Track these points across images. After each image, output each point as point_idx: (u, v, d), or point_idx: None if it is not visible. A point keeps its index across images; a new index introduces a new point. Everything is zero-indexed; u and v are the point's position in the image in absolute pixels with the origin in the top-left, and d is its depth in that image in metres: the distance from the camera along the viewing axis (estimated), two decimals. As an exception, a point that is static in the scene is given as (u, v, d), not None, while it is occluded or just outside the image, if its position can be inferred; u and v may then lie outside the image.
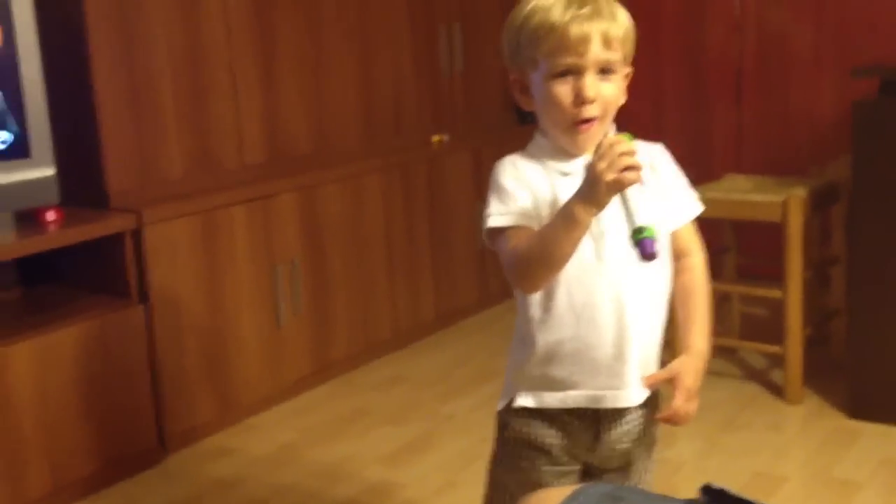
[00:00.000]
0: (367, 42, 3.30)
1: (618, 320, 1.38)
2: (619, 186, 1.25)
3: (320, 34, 3.14)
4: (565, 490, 0.98)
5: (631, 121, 4.60)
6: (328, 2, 3.15)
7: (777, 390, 2.86)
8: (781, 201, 2.70)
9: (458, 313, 3.62)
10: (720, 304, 3.31)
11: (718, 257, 3.18)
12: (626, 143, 1.26)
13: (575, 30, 1.32)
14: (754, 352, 3.09)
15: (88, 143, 2.57)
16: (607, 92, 1.36)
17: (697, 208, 1.49)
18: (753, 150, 3.79)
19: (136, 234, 2.55)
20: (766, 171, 3.38)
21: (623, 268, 1.37)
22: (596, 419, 1.44)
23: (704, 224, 3.02)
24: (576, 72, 1.34)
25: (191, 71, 2.77)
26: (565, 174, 1.39)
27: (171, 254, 2.62)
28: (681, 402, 1.39)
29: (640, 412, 1.46)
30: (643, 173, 1.26)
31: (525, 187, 1.39)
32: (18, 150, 2.36)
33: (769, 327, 2.85)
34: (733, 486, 1.04)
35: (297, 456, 2.65)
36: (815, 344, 3.11)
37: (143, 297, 2.57)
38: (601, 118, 1.37)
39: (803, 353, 2.78)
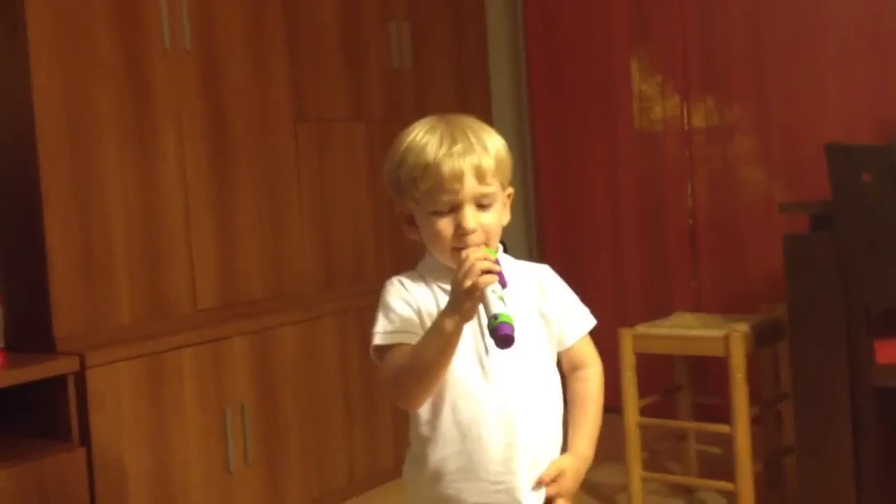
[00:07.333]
0: (325, 193, 3.40)
1: (506, 436, 1.40)
2: (476, 290, 1.28)
3: (279, 186, 3.24)
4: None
5: (591, 266, 4.51)
6: (286, 155, 3.27)
7: (733, 530, 2.80)
8: (723, 336, 2.73)
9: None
10: (677, 443, 3.28)
11: (672, 396, 3.18)
12: (483, 251, 1.32)
13: (447, 168, 1.37)
14: (710, 490, 3.04)
15: (37, 292, 2.62)
16: (487, 220, 1.41)
17: (590, 322, 1.54)
18: (709, 292, 3.84)
19: (80, 378, 2.56)
20: (722, 311, 3.41)
21: (510, 386, 1.40)
22: (492, 532, 1.43)
23: (655, 360, 3.06)
24: (454, 207, 1.39)
25: (145, 225, 2.83)
26: (448, 292, 1.43)
27: (116, 397, 2.62)
28: (553, 493, 1.43)
29: None
30: (508, 281, 1.31)
31: (410, 305, 1.43)
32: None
33: (726, 465, 2.81)
34: None
35: None
36: (773, 483, 3.07)
37: (85, 441, 2.56)
38: (485, 244, 1.41)
39: (757, 490, 2.74)
